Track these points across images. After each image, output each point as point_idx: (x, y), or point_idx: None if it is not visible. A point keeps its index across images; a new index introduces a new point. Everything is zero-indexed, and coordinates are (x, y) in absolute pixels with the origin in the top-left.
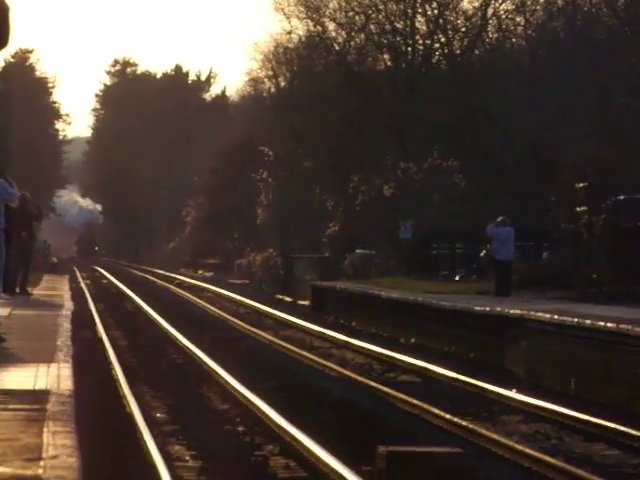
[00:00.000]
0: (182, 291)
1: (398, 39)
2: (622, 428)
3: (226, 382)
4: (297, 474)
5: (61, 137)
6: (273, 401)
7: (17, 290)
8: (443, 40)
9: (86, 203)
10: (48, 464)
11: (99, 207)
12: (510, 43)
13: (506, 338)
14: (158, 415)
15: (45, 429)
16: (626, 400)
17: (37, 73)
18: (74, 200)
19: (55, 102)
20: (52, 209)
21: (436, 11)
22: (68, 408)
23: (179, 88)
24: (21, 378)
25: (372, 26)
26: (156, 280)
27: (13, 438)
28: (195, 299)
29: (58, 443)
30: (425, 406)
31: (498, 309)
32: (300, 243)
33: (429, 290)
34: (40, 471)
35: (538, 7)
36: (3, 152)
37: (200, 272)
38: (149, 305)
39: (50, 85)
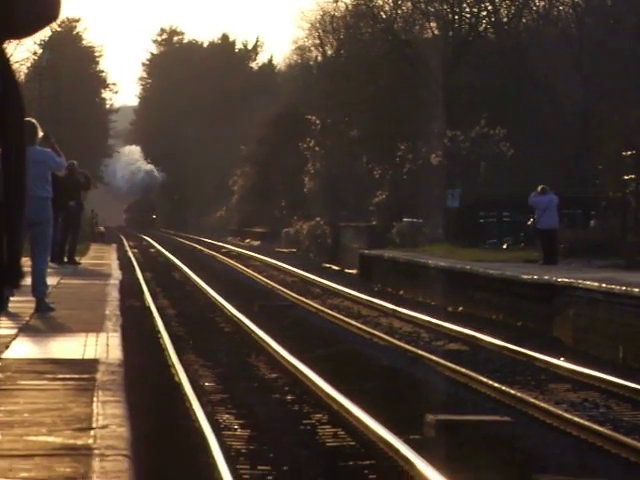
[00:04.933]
0: (229, 260)
1: (445, 7)
2: None
3: (274, 351)
4: (345, 442)
5: (108, 106)
6: (321, 370)
7: (65, 259)
8: (490, 8)
9: (135, 166)
10: (98, 434)
11: (155, 171)
12: (557, 11)
13: (554, 306)
14: (206, 384)
15: (95, 399)
16: None
17: (84, 42)
18: (125, 163)
19: (102, 71)
20: (100, 178)
21: None
22: (117, 377)
23: (226, 57)
24: (70, 347)
25: None
26: (203, 249)
27: (63, 408)
28: (242, 267)
29: (108, 412)
30: (473, 374)
31: (546, 277)
32: (347, 212)
33: (476, 258)
34: (90, 441)
35: None
36: (52, 121)
37: (247, 241)
38: (196, 274)
39: (97, 54)
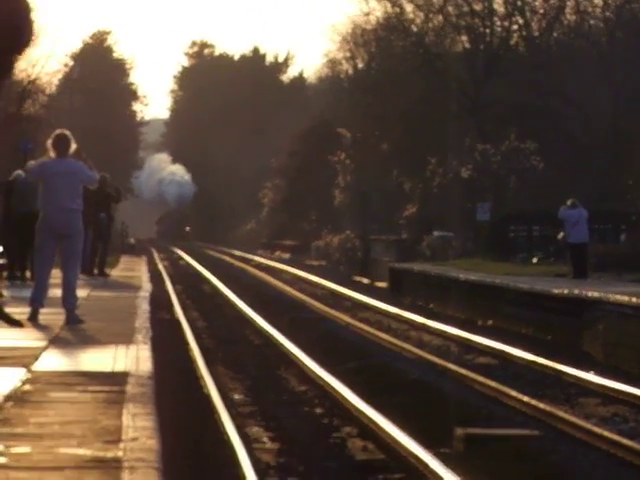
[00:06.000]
0: (259, 272)
1: (476, 21)
2: None
3: (303, 364)
4: (375, 456)
5: (139, 118)
6: (351, 383)
7: (95, 271)
8: (521, 22)
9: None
10: (128, 446)
11: (191, 182)
12: (588, 25)
13: (584, 320)
14: (236, 396)
15: (124, 411)
16: None
17: (115, 55)
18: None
19: (133, 84)
20: (130, 190)
21: None
22: (147, 390)
23: (257, 70)
24: (100, 360)
25: (450, 8)
26: (233, 261)
27: (93, 420)
28: (272, 280)
29: (138, 425)
30: (503, 388)
31: (576, 291)
32: (377, 225)
33: (507, 272)
34: (120, 453)
35: None
36: (82, 133)
37: (277, 253)
38: (226, 286)
39: (128, 67)
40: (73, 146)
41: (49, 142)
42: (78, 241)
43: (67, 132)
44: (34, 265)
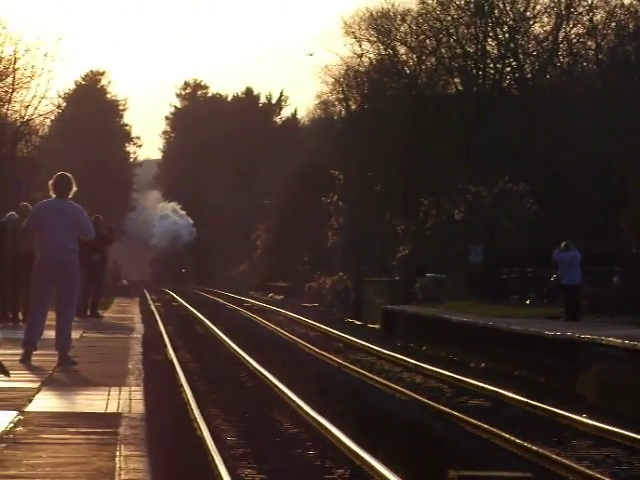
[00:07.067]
0: (252, 314)
1: (469, 63)
2: None
3: (297, 405)
4: None
5: (132, 159)
6: (343, 425)
7: (88, 313)
8: (514, 64)
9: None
10: None
11: (189, 222)
12: (581, 67)
13: (577, 362)
14: (229, 438)
15: (117, 453)
16: None
17: (108, 96)
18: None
19: (126, 125)
20: (124, 232)
21: (507, 35)
22: (140, 432)
23: (250, 111)
24: (93, 401)
25: (443, 50)
26: (226, 303)
27: (85, 462)
28: (265, 322)
29: (130, 467)
30: (495, 430)
31: (569, 333)
32: (370, 267)
33: (499, 314)
34: None
35: (609, 31)
36: (75, 175)
37: (270, 295)
38: (219, 328)
39: (121, 108)
40: (74, 188)
41: (50, 183)
42: (74, 283)
43: (68, 174)
44: (29, 306)
